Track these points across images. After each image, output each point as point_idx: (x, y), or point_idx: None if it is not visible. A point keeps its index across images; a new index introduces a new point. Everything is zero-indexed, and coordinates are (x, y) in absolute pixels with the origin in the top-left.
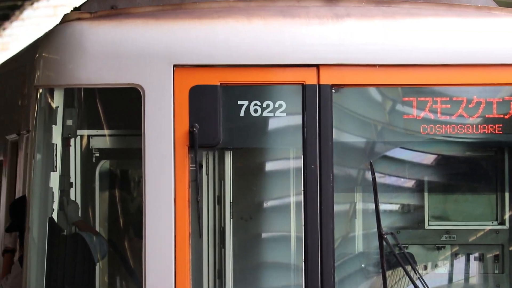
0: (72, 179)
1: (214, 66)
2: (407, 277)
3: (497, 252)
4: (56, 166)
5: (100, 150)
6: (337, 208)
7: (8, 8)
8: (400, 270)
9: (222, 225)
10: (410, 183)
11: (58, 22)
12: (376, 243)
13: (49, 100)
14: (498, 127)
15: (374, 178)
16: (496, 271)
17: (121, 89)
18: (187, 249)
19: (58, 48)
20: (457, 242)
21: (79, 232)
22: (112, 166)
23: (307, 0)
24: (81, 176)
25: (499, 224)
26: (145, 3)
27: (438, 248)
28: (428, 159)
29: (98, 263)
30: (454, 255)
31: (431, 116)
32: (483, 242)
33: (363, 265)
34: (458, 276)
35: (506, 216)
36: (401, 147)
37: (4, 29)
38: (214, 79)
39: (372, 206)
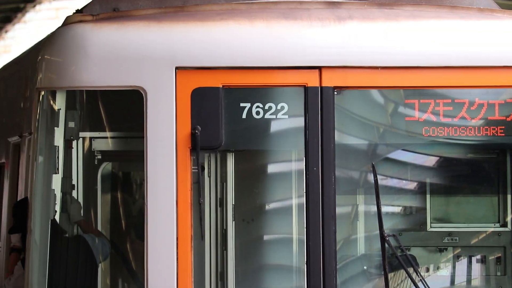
0: (74, 181)
1: (216, 68)
2: (409, 279)
3: (499, 254)
4: (58, 168)
5: (102, 152)
6: (339, 210)
7: (11, 11)
8: (402, 272)
9: (224, 227)
10: (412, 185)
11: (60, 24)
12: (378, 245)
13: (51, 102)
14: (500, 129)
15: (376, 180)
16: (498, 273)
17: (123, 91)
18: (189, 251)
19: (60, 51)
20: (459, 244)
21: (81, 234)
22: (114, 168)
23: (309, 3)
24: (83, 178)
25: (501, 226)
26: (147, 6)
27: (440, 250)
28: (430, 161)
29: (100, 265)
30: (456, 257)
31: (433, 118)
32: (485, 244)
33: (365, 267)
34: (460, 278)
35: (508, 218)
36: (403, 149)
37: (6, 31)
38: (216, 81)
39: (374, 208)
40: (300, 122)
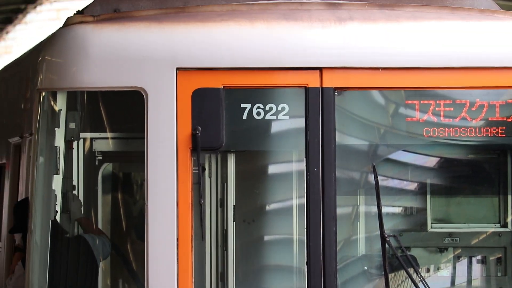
0: (75, 182)
1: (217, 69)
2: (409, 279)
3: (500, 255)
4: (59, 169)
5: (103, 153)
6: (339, 210)
7: (12, 12)
8: (402, 272)
9: (225, 228)
10: (412, 186)
11: (61, 25)
12: (378, 245)
13: (52, 103)
14: (501, 129)
15: (376, 181)
16: (499, 274)
17: (124, 92)
18: (190, 252)
19: (61, 51)
20: (459, 244)
21: (81, 234)
22: (115, 169)
23: (309, 4)
24: (83, 179)
25: (501, 226)
26: (148, 6)
27: (441, 251)
28: (431, 161)
29: (100, 266)
30: (457, 258)
31: (434, 119)
32: (485, 245)
33: (365, 268)
34: (461, 278)
35: (509, 219)
36: (404, 150)
37: (7, 32)
38: (217, 82)
39: (375, 208)
40: (300, 123)
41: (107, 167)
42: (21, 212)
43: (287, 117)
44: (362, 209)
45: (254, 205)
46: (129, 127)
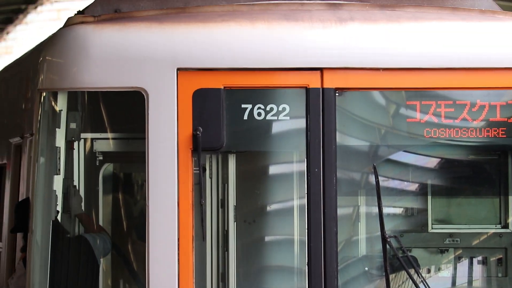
0: (75, 182)
1: (217, 70)
2: (410, 280)
3: (501, 256)
4: (59, 169)
5: (103, 153)
6: (340, 211)
7: (12, 12)
8: (403, 273)
9: (226, 228)
10: (413, 187)
11: (61, 25)
12: (379, 246)
13: (53, 103)
14: (502, 130)
15: (377, 182)
16: (500, 275)
17: (125, 92)
18: (191, 252)
19: (61, 52)
20: (460, 245)
21: (82, 234)
22: (116, 169)
23: (310, 4)
24: (84, 179)
25: (502, 227)
26: (148, 7)
27: (442, 252)
28: (432, 162)
29: (101, 267)
30: (458, 259)
31: (435, 119)
32: (486, 246)
33: (366, 268)
34: (461, 279)
35: (510, 220)
36: (404, 151)
37: (7, 32)
38: (217, 82)
39: (376, 209)
40: (301, 123)
41: (107, 168)
42: (22, 212)
43: (288, 117)
44: (363, 209)
45: (255, 206)
46: (129, 128)
